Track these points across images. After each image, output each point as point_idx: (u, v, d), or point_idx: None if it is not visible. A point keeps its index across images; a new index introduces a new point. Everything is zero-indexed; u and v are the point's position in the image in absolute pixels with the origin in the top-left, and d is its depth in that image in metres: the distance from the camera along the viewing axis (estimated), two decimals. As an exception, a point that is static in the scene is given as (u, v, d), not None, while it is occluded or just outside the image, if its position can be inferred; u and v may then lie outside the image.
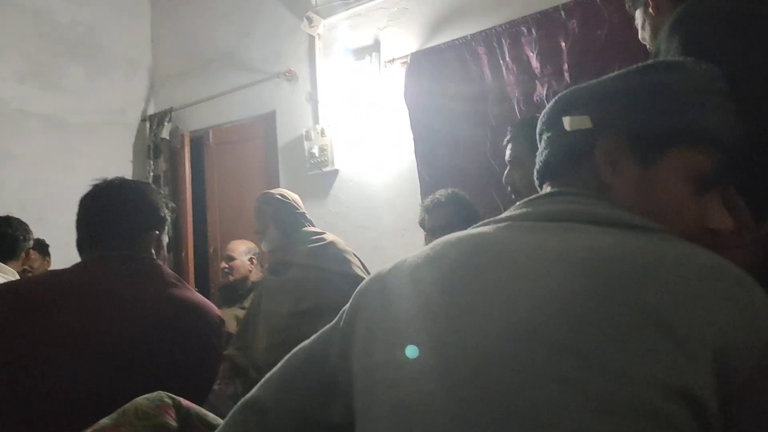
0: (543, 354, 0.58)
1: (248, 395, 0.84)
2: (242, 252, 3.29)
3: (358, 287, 0.81)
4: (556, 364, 0.57)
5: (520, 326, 0.61)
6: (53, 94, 4.23)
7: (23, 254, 2.46)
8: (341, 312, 0.81)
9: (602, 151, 0.78)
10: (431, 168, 3.24)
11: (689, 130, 0.76)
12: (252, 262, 3.29)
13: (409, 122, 3.32)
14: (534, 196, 0.81)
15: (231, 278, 3.25)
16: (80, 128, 4.31)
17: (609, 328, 0.58)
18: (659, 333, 0.57)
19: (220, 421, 0.98)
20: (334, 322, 0.82)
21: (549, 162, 0.84)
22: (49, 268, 2.88)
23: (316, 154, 3.70)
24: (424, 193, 3.09)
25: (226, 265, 3.28)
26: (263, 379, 0.85)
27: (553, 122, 0.85)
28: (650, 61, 0.83)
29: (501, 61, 3.06)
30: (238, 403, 0.84)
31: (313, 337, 0.83)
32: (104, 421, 0.92)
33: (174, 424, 0.92)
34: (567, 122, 0.81)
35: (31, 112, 4.09)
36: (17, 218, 2.52)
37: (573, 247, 0.66)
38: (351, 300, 0.81)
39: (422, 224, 2.26)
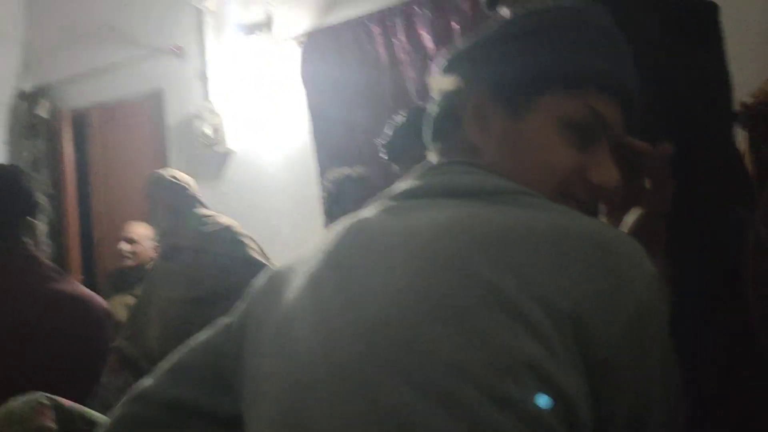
0: (391, 354, 0.56)
1: (136, 386, 0.80)
2: (145, 236, 3.14)
3: (255, 281, 0.78)
4: (402, 364, 0.55)
5: (372, 326, 0.58)
6: None
7: None
8: (239, 303, 0.79)
9: (471, 109, 0.72)
10: (328, 148, 3.23)
11: (558, 73, 0.69)
12: (140, 247, 3.15)
13: (305, 102, 3.29)
14: (416, 168, 0.75)
15: (131, 263, 3.10)
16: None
17: (449, 318, 0.56)
18: (503, 314, 0.55)
19: (106, 419, 0.93)
20: (229, 314, 0.79)
21: (432, 128, 0.79)
22: None
23: (208, 134, 3.58)
24: (322, 174, 3.08)
25: (125, 249, 3.12)
26: (154, 370, 0.81)
27: (433, 85, 0.79)
28: (524, 11, 0.75)
29: (396, 42, 3.07)
30: (126, 396, 0.80)
31: (209, 328, 0.80)
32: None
33: (53, 426, 0.87)
34: (439, 83, 0.77)
35: None
36: None
37: (422, 229, 0.62)
38: (245, 295, 0.78)
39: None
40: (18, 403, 0.87)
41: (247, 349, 0.72)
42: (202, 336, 0.80)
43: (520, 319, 0.54)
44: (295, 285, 0.69)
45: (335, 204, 2.22)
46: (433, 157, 0.78)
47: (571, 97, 0.69)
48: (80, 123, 4.28)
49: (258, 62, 3.49)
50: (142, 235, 3.15)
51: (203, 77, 3.73)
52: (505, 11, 0.93)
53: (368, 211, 0.72)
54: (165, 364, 0.80)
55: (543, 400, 0.53)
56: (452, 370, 0.54)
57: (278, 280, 0.73)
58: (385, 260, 0.63)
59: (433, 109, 0.79)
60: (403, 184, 0.73)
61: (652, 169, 0.74)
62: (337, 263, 0.66)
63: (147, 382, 0.79)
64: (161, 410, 0.76)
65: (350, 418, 0.55)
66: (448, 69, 0.77)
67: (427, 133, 0.80)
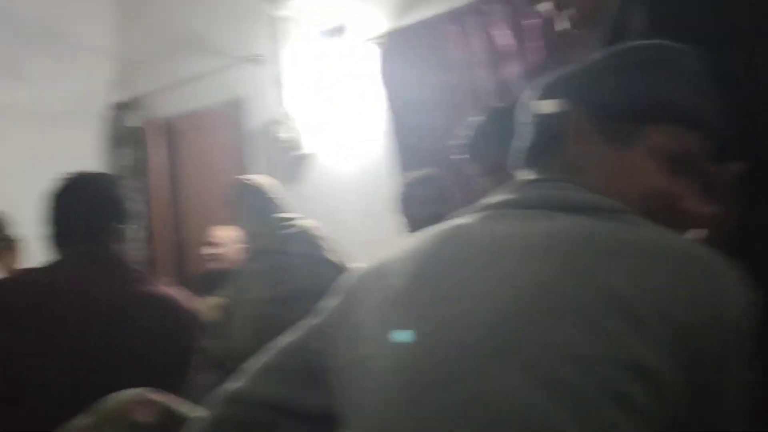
0: (508, 343, 0.59)
1: (227, 386, 0.84)
2: (229, 239, 3.24)
3: (344, 281, 0.82)
4: (520, 353, 0.58)
5: (488, 317, 0.62)
6: (19, 85, 4.13)
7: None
8: (326, 303, 0.81)
9: (573, 132, 0.78)
10: (408, 150, 3.24)
11: (660, 108, 0.76)
12: (226, 251, 3.26)
13: (384, 104, 3.31)
14: (513, 182, 0.82)
15: (216, 266, 3.21)
16: (47, 119, 4.21)
17: (572, 314, 0.59)
18: (619, 316, 0.58)
19: (198, 416, 0.98)
20: (318, 313, 0.82)
21: (527, 148, 0.84)
22: (19, 263, 2.81)
23: (286, 139, 3.67)
24: (401, 176, 3.10)
25: (210, 252, 3.23)
26: (242, 370, 0.84)
27: (532, 107, 0.85)
28: (625, 45, 0.83)
29: (471, 41, 3.06)
30: (216, 395, 0.84)
31: (296, 327, 0.84)
32: (78, 420, 0.92)
33: (150, 420, 0.93)
34: (542, 106, 0.82)
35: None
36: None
37: (541, 235, 0.67)
38: (338, 293, 0.81)
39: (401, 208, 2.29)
40: (119, 397, 0.93)
41: (343, 346, 0.74)
42: (291, 336, 0.83)
43: (638, 325, 0.57)
44: (395, 284, 0.71)
45: (405, 206, 2.25)
46: (526, 173, 0.83)
47: (671, 129, 0.76)
48: (170, 131, 4.47)
49: (335, 65, 3.54)
50: (226, 238, 3.26)
51: (280, 83, 3.82)
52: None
53: (465, 219, 0.76)
54: (256, 365, 0.83)
55: (656, 406, 0.56)
56: (575, 363, 0.56)
57: (371, 279, 0.76)
58: (500, 260, 0.66)
59: (530, 126, 0.85)
60: (499, 195, 0.78)
61: (721, 191, 0.80)
62: (441, 263, 0.70)
63: (239, 383, 0.83)
64: (256, 410, 0.79)
65: (467, 402, 0.57)
66: (549, 92, 0.83)
67: (518, 145, 0.86)
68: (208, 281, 3.22)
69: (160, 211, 4.38)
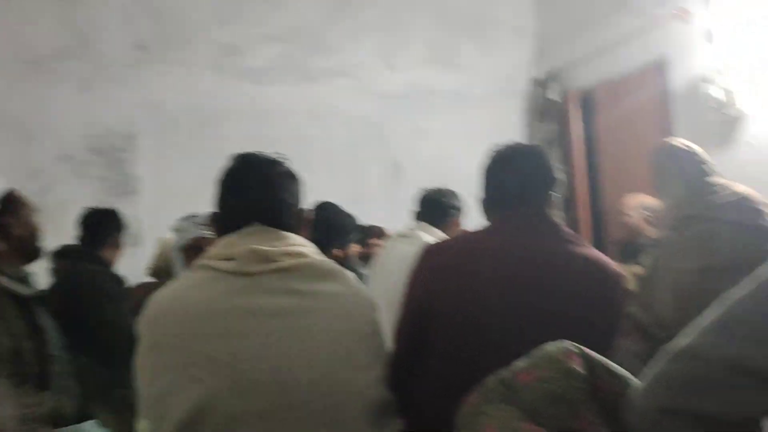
0: None
1: (680, 341, 0.83)
2: (632, 207, 3.18)
3: None
4: None
5: None
6: (452, 72, 4.70)
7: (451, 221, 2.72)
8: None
9: None
10: None
11: None
12: (645, 218, 3.16)
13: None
14: None
15: (625, 235, 3.18)
16: (476, 100, 4.69)
17: None
18: None
19: (626, 373, 1.00)
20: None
21: None
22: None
23: (718, 97, 3.34)
24: None
25: (622, 221, 3.21)
26: (695, 326, 0.82)
27: None
28: None
29: None
30: (668, 350, 0.84)
31: (761, 284, 0.77)
32: (519, 363, 1.02)
33: (581, 371, 0.98)
34: None
35: (436, 91, 4.63)
36: (450, 189, 2.79)
37: None
38: None
39: None
40: (553, 347, 1.01)
41: None
42: (744, 290, 0.78)
43: None
44: None
45: None
46: None
47: None
48: (587, 102, 4.51)
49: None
50: (630, 206, 3.16)
51: (710, 38, 3.48)
52: None
53: None
54: (707, 322, 0.80)
55: None
56: None
57: None
58: None
59: None
60: None
61: None
62: None
63: (691, 338, 0.80)
64: (707, 366, 0.77)
65: None
66: None
67: None
68: (626, 249, 3.18)
69: (579, 181, 4.47)
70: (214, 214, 1.35)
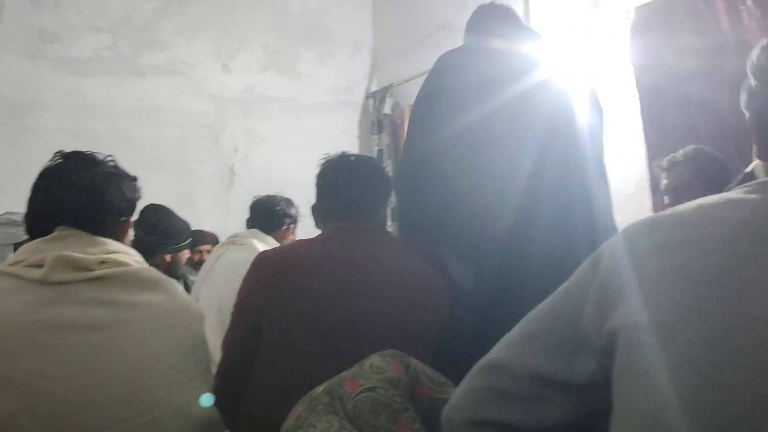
0: None
1: (486, 357, 0.85)
2: None
3: (609, 245, 0.76)
4: None
5: None
6: (290, 79, 4.68)
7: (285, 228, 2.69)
8: (591, 267, 0.76)
9: None
10: (659, 128, 3.03)
11: None
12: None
13: (633, 81, 3.14)
14: None
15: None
16: (313, 109, 4.72)
17: None
18: None
19: (446, 380, 1.05)
20: (579, 279, 0.78)
21: None
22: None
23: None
24: (650, 155, 2.93)
25: None
26: (501, 340, 0.84)
27: None
28: None
29: (741, 7, 2.74)
30: (476, 365, 0.86)
31: (556, 295, 0.80)
32: (345, 373, 1.04)
33: (404, 378, 1.01)
34: None
35: (273, 97, 4.59)
36: (283, 196, 2.75)
37: None
38: (603, 257, 0.76)
39: (660, 185, 2.18)
40: (378, 356, 1.03)
41: (620, 305, 0.69)
42: (549, 302, 0.80)
43: None
44: (687, 253, 0.67)
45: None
46: None
47: None
48: (417, 117, 4.71)
49: (580, 44, 3.42)
50: None
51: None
52: None
53: (756, 197, 0.69)
54: (513, 335, 0.82)
55: None
56: None
57: (652, 240, 0.71)
58: None
59: None
60: None
61: None
62: (758, 240, 0.64)
63: (497, 353, 0.83)
64: (511, 379, 0.79)
65: None
66: None
67: None
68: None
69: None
70: (27, 215, 1.23)
